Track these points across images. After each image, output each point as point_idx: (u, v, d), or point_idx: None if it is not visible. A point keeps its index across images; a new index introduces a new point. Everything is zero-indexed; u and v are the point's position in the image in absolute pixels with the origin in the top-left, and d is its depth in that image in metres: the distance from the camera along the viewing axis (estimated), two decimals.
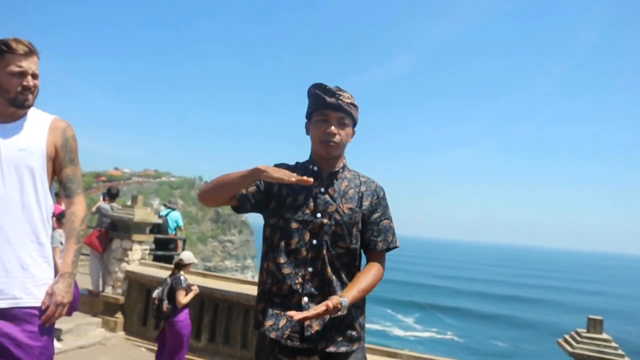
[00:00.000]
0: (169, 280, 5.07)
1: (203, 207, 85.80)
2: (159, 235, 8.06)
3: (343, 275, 1.78)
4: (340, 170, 1.88)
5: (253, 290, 5.71)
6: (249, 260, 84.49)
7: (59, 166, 2.04)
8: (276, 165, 1.90)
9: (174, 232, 8.81)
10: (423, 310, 47.54)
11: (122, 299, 6.72)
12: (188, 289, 5.04)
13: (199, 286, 5.32)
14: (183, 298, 4.97)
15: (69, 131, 2.08)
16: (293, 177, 1.67)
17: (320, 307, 1.60)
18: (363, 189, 1.87)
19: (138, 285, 6.74)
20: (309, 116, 1.90)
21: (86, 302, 6.89)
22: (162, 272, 6.49)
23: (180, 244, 9.10)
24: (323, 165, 1.87)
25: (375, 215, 1.85)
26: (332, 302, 1.60)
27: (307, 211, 1.79)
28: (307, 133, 1.92)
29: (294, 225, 1.79)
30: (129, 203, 7.53)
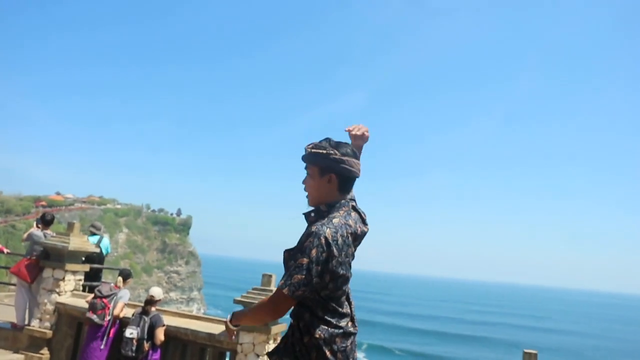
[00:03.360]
0: (146, 318, 5.07)
1: (149, 236, 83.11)
2: (96, 265, 7.63)
3: (296, 309, 1.96)
4: (312, 215, 2.04)
5: (202, 327, 5.52)
6: (195, 292, 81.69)
7: None
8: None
9: None
10: (372, 349, 47.36)
11: (49, 333, 6.28)
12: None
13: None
14: (163, 335, 5.04)
15: None
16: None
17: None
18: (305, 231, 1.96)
19: (69, 318, 6.33)
20: None
21: (7, 337, 6.41)
22: None
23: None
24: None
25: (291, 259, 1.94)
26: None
27: None
28: None
29: None
30: None
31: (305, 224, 2.03)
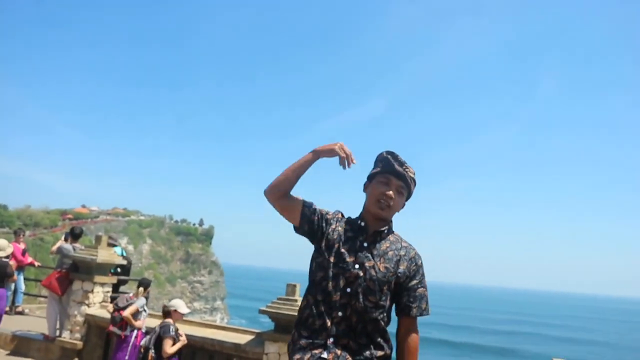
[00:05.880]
0: (157, 329, 4.94)
1: (172, 246, 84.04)
2: (123, 277, 7.80)
3: (369, 328, 1.90)
4: (385, 231, 2.03)
5: (228, 337, 5.61)
6: (218, 301, 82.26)
7: None
8: (334, 213, 2.13)
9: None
10: None
11: (80, 344, 6.43)
12: (176, 338, 4.86)
13: (190, 335, 5.23)
14: (169, 348, 4.78)
15: None
16: (345, 151, 1.98)
17: None
18: (402, 253, 2.00)
19: (98, 329, 6.47)
20: (371, 177, 2.09)
21: (40, 348, 6.57)
22: None
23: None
24: (370, 223, 2.04)
25: (413, 282, 1.98)
26: None
27: (348, 260, 1.94)
28: (364, 191, 2.12)
29: (334, 270, 1.94)
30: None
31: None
